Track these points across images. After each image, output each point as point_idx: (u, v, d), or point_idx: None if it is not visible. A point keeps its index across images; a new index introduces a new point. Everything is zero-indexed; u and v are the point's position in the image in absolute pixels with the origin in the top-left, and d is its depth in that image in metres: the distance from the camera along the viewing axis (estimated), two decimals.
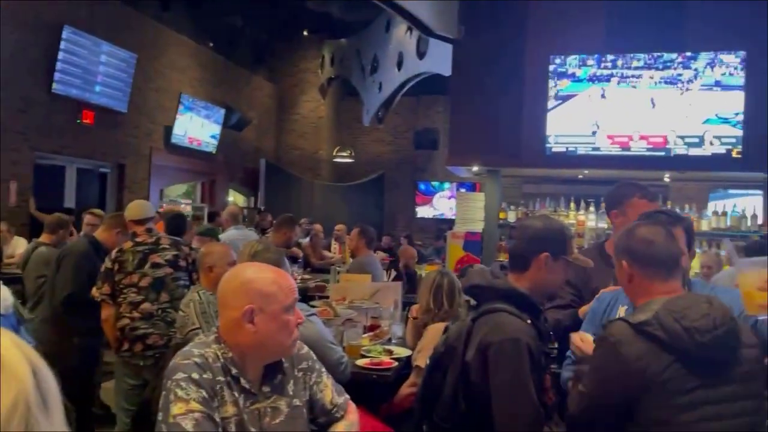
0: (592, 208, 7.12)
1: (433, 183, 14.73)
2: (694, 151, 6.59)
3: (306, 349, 1.92)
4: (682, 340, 1.55)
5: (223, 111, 11.96)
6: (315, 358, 1.94)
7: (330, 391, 1.90)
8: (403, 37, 10.84)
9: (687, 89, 6.55)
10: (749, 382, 1.59)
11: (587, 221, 7.15)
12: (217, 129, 11.89)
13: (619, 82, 6.73)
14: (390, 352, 3.29)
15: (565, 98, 6.84)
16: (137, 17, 10.02)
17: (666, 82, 6.61)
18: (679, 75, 6.59)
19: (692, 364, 1.56)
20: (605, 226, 6.75)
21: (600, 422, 1.68)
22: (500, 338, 1.80)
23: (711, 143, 6.54)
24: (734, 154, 6.49)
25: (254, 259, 2.58)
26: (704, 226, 6.96)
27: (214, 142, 11.88)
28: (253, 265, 1.87)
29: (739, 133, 6.45)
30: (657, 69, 6.63)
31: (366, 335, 3.55)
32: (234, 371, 1.69)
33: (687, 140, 6.60)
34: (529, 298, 1.90)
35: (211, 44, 12.20)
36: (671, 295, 1.68)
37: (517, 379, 1.76)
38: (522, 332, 1.81)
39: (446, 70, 7.82)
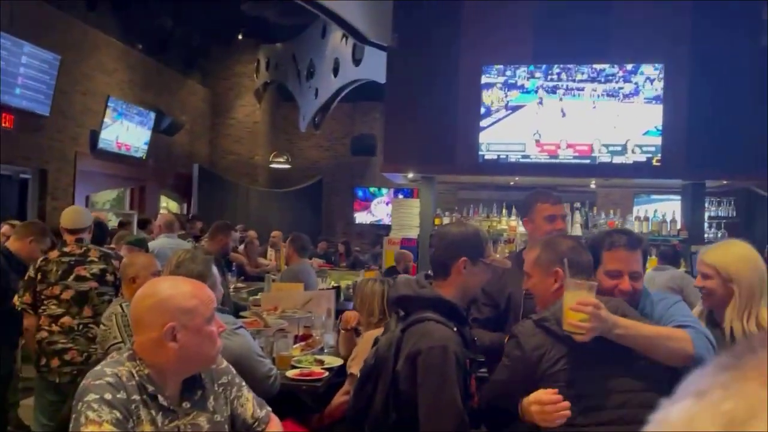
0: None
1: (371, 189, 14.78)
2: (618, 159, 6.87)
3: (225, 363, 1.89)
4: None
5: (153, 115, 11.61)
6: (234, 372, 1.90)
7: (251, 405, 1.88)
8: (338, 43, 10.84)
9: (610, 99, 6.83)
10: (650, 373, 1.72)
11: (518, 227, 7.34)
12: (147, 133, 11.54)
13: (549, 92, 6.95)
14: (321, 362, 3.26)
15: (515, 108, 7.00)
16: (61, 17, 9.61)
17: (592, 93, 6.87)
18: (605, 85, 6.86)
19: (586, 355, 1.66)
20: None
21: (507, 410, 1.80)
22: (428, 345, 1.83)
23: (633, 152, 6.84)
24: (654, 162, 6.80)
25: (178, 269, 2.51)
26: None
27: (144, 147, 11.52)
28: (167, 279, 1.82)
29: (659, 142, 6.77)
30: (574, 81, 6.87)
31: (297, 345, 3.51)
32: (151, 389, 1.64)
33: (611, 149, 6.88)
34: (454, 305, 1.94)
35: (140, 46, 11.83)
36: None
37: (444, 386, 1.80)
38: (449, 339, 1.84)
39: (382, 77, 7.86)
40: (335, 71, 11.21)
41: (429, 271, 2.12)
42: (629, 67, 6.78)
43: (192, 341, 1.66)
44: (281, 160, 13.12)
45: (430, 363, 1.81)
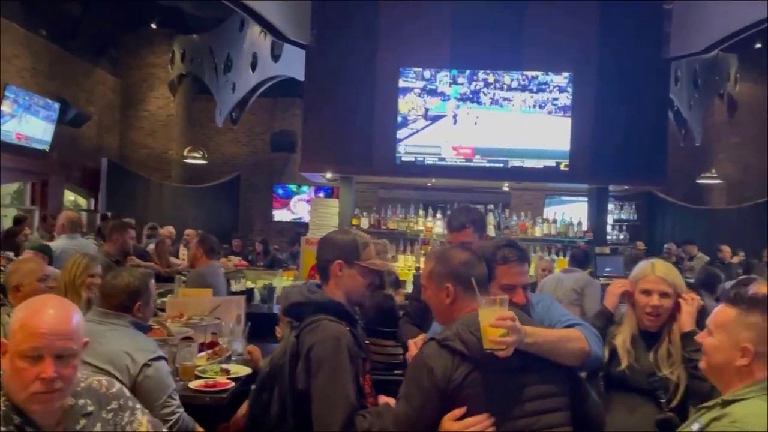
0: (439, 215, 7.42)
1: (291, 186, 14.59)
2: (529, 164, 7.10)
3: (117, 386, 1.78)
4: (477, 350, 1.66)
5: (57, 105, 10.95)
6: (128, 395, 1.80)
7: (145, 429, 1.78)
8: (257, 37, 10.60)
9: (523, 107, 7.04)
10: (557, 376, 1.77)
11: (434, 227, 7.45)
12: (50, 125, 10.87)
13: (465, 100, 7.08)
14: (227, 372, 3.17)
15: (434, 118, 7.07)
16: None
17: (505, 100, 7.06)
18: (518, 93, 7.06)
19: (492, 371, 1.68)
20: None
21: None
22: (321, 337, 1.90)
23: (543, 157, 7.09)
24: (562, 167, 7.08)
25: (114, 280, 2.56)
26: (537, 232, 7.53)
27: (47, 138, 10.85)
28: (36, 298, 1.66)
29: (567, 148, 7.05)
30: (500, 89, 7.05)
31: (202, 354, 3.39)
32: (17, 420, 1.51)
33: (523, 154, 7.10)
34: (344, 307, 2.02)
35: (44, 32, 11.11)
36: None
37: (336, 375, 1.85)
38: (342, 334, 1.93)
39: (301, 74, 7.76)
40: (253, 66, 10.97)
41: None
42: (540, 75, 7.02)
43: (6, 370, 1.50)
44: (197, 155, 12.69)
45: (323, 353, 1.88)
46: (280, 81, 11.31)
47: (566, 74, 6.99)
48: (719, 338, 1.65)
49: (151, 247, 8.19)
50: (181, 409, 2.47)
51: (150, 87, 13.71)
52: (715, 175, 12.11)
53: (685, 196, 12.86)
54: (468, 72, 7.02)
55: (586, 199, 8.35)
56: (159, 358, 2.47)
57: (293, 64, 9.16)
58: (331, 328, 1.92)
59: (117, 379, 2.14)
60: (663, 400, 2.05)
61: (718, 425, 1.57)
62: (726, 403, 1.61)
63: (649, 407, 2.07)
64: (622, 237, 8.29)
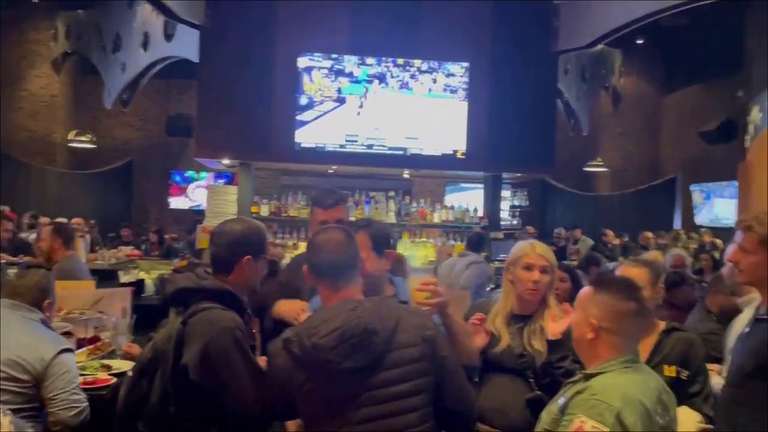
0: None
1: (189, 172, 14.06)
2: (428, 151, 7.24)
3: None
4: (312, 356, 1.64)
5: None
6: None
7: (7, 430, 1.67)
8: (148, 16, 10.05)
9: (421, 95, 7.15)
10: (408, 381, 1.68)
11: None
12: None
13: (375, 78, 7.09)
14: (108, 368, 3.01)
15: (341, 101, 7.01)
16: None
17: (404, 86, 7.14)
18: (416, 81, 7.16)
19: (329, 377, 1.64)
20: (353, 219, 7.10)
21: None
22: (221, 328, 1.85)
23: (441, 145, 7.25)
24: (459, 155, 7.27)
25: (20, 280, 2.66)
26: (436, 218, 7.73)
27: None
28: None
29: (464, 136, 7.25)
30: (391, 77, 7.11)
31: (83, 350, 3.21)
32: None
33: (421, 142, 7.22)
34: (236, 296, 1.98)
35: None
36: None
37: (246, 359, 1.85)
38: (236, 322, 1.90)
39: (196, 55, 7.46)
40: (145, 45, 10.39)
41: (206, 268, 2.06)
42: (437, 65, 7.15)
43: None
44: (84, 139, 11.91)
45: (227, 344, 1.83)
46: (176, 62, 10.80)
47: (463, 64, 7.16)
48: (577, 315, 1.83)
49: (33, 237, 7.64)
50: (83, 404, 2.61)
51: (30, 65, 12.72)
52: (601, 163, 12.87)
53: (575, 183, 13.58)
54: (373, 60, 7.04)
55: (483, 186, 8.64)
56: (69, 350, 2.65)
57: (188, 45, 8.79)
58: (225, 317, 1.88)
59: (27, 366, 2.43)
60: (531, 380, 2.15)
61: (580, 398, 1.68)
62: (588, 377, 1.73)
63: (519, 386, 2.16)
64: (515, 222, 8.69)
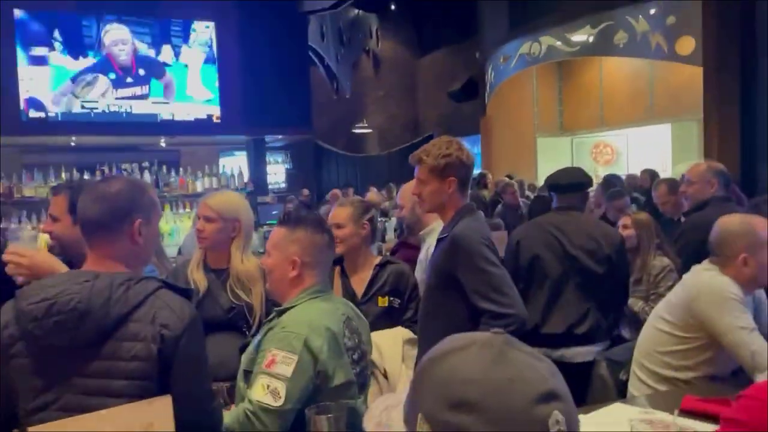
0: (87, 176, 6.76)
1: None
2: (179, 117, 6.89)
3: None
4: (21, 320, 1.46)
5: None
6: None
7: None
8: None
9: (163, 55, 6.74)
10: (123, 379, 1.46)
11: None
12: None
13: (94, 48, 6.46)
14: None
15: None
16: None
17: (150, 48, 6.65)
18: (163, 43, 6.71)
19: (36, 346, 1.46)
20: None
21: None
22: None
23: (194, 109, 6.94)
24: (215, 119, 7.04)
25: None
26: (199, 187, 7.42)
27: None
28: None
29: (217, 99, 7.02)
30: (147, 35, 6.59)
31: None
32: None
33: (172, 107, 6.84)
34: None
35: None
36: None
37: None
38: None
39: None
40: None
41: None
42: (180, 24, 6.78)
43: None
44: None
45: None
46: None
47: (209, 23, 6.89)
48: (274, 256, 1.81)
49: None
50: None
51: None
52: (367, 125, 13.47)
53: (345, 145, 14.06)
54: (109, 17, 6.42)
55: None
56: None
57: None
58: None
59: None
60: (245, 329, 2.15)
61: (272, 333, 1.71)
62: (281, 313, 1.76)
63: (236, 338, 2.14)
64: (284, 186, 8.71)
